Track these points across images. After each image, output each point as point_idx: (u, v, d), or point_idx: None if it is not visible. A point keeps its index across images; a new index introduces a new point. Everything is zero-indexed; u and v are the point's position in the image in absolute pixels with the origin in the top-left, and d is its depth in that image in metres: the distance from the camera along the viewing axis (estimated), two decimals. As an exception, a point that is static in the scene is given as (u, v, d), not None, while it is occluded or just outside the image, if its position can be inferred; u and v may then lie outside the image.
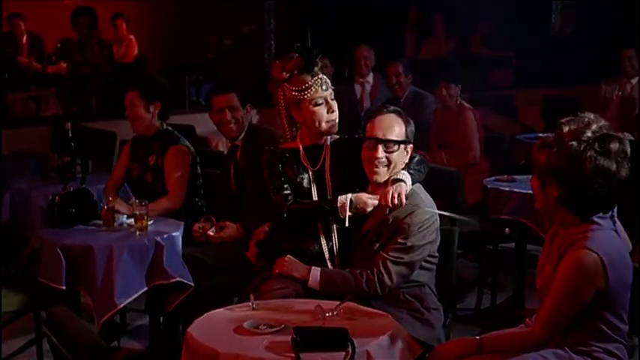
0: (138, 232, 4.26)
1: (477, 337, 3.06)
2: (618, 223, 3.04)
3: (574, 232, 2.94)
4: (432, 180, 3.87)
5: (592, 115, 2.93)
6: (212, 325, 3.02)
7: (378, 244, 3.54)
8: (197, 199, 5.03)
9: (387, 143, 3.57)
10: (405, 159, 3.64)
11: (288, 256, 3.61)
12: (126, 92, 4.98)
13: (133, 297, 4.17)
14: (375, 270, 3.48)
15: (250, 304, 3.17)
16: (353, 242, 3.67)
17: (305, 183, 3.73)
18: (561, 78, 10.15)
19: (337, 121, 3.74)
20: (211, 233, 4.50)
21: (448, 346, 3.18)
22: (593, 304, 2.91)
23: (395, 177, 3.57)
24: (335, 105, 3.73)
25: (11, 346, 4.77)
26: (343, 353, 2.73)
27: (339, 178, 3.73)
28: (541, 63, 10.73)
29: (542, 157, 2.93)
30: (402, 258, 3.48)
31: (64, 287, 4.13)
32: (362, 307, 3.20)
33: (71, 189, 4.51)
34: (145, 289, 4.19)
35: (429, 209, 3.55)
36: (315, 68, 3.70)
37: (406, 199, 3.53)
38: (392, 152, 3.58)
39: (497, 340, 3.07)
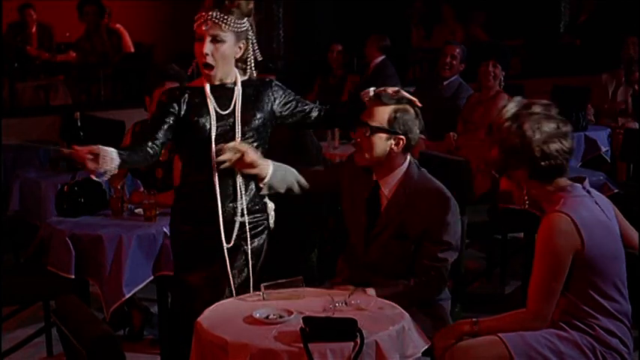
0: (147, 222, 4.27)
1: (474, 320, 3.10)
2: (596, 193, 3.09)
3: (547, 207, 3.02)
4: (439, 168, 3.84)
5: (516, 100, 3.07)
6: (222, 314, 3.03)
7: (412, 245, 3.45)
8: None
9: (365, 127, 3.47)
10: (387, 148, 3.46)
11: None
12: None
13: (140, 286, 4.19)
14: (433, 274, 3.43)
15: (261, 294, 3.18)
16: (368, 238, 3.54)
17: (206, 123, 3.40)
18: (571, 67, 10.09)
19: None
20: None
21: (446, 329, 3.21)
22: (577, 269, 2.94)
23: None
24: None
25: (20, 335, 4.79)
26: (352, 344, 2.74)
27: (249, 121, 3.45)
28: (550, 52, 10.67)
29: (494, 151, 3.04)
30: (452, 257, 3.46)
31: (73, 276, 4.16)
32: (372, 297, 3.20)
33: (80, 178, 4.51)
34: (151, 277, 4.21)
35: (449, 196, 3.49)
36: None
37: (420, 191, 3.45)
38: (368, 136, 3.45)
39: (493, 320, 3.11)
